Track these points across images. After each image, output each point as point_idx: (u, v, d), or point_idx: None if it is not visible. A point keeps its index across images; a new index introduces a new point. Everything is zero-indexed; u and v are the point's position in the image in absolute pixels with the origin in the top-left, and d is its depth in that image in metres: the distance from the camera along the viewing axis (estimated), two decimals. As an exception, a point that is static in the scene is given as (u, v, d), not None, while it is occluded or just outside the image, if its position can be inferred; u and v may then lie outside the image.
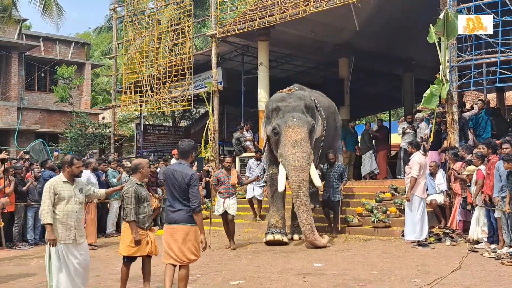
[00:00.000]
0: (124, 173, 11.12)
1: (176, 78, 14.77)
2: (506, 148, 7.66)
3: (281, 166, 8.62)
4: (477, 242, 8.05)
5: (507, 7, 9.11)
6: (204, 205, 11.37)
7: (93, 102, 26.44)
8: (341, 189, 9.54)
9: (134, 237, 5.27)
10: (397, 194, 10.40)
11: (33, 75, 20.42)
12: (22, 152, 13.35)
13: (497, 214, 7.53)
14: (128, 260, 5.50)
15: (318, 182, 8.77)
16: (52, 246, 4.94)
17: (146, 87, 15.60)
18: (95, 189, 5.63)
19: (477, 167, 8.11)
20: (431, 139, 10.25)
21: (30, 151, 14.80)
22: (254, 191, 11.05)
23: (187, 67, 14.49)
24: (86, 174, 9.67)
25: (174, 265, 5.08)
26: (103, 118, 20.85)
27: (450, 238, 8.55)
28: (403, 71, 17.50)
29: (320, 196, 9.94)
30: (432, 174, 9.64)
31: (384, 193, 10.61)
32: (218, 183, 8.77)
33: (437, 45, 9.53)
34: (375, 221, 9.48)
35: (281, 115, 8.66)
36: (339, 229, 9.52)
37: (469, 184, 8.40)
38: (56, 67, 19.44)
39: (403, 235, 8.82)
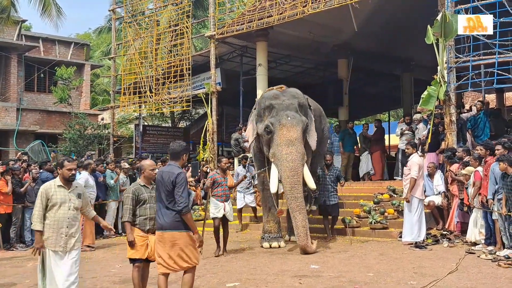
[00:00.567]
0: (122, 174, 11.12)
1: (175, 79, 14.76)
2: (497, 150, 7.67)
3: (273, 166, 8.25)
4: (475, 244, 8.03)
5: (505, 8, 9.10)
6: (202, 206, 11.30)
7: (93, 103, 26.44)
8: (342, 185, 9.31)
9: (127, 238, 5.11)
10: (395, 196, 10.39)
11: (32, 76, 20.43)
12: (20, 153, 13.37)
13: (494, 216, 7.52)
14: (133, 263, 5.24)
15: (312, 184, 8.39)
16: (39, 254, 4.83)
17: (145, 88, 15.58)
18: (90, 208, 5.37)
19: (474, 168, 8.10)
20: (429, 140, 10.23)
21: (29, 152, 14.84)
22: (245, 199, 10.84)
23: (186, 68, 14.48)
24: (84, 176, 9.67)
25: (167, 275, 4.88)
26: (102, 119, 20.84)
27: (447, 239, 8.53)
28: (402, 71, 17.44)
29: (316, 200, 9.65)
30: (430, 176, 9.63)
31: (382, 194, 10.61)
32: (214, 185, 8.24)
33: (435, 46, 9.52)
34: (373, 223, 9.47)
35: (275, 113, 8.26)
36: (333, 235, 9.35)
37: (466, 186, 8.38)
38: (55, 68, 19.49)
39: (401, 237, 8.81)
